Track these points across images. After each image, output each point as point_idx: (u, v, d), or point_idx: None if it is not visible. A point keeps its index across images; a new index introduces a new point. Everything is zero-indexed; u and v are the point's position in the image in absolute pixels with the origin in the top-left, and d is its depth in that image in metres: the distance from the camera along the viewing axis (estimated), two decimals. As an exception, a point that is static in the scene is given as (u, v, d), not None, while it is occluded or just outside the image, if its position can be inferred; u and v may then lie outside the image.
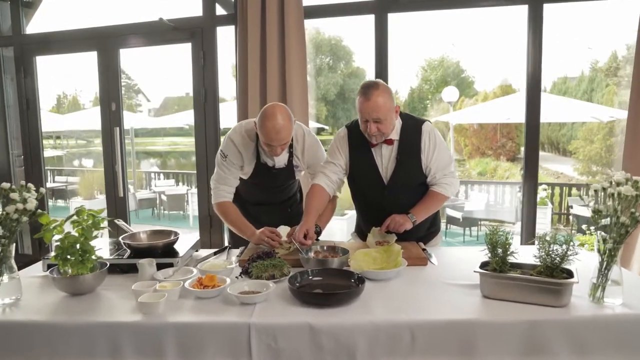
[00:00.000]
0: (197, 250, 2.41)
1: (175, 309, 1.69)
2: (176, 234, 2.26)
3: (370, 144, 2.39)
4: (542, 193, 8.36)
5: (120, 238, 2.20)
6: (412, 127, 2.40)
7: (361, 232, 2.62)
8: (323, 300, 1.68)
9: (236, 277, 1.99)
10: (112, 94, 4.35)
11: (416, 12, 3.73)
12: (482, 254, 1.80)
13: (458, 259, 2.26)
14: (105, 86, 4.34)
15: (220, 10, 4.05)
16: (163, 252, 2.15)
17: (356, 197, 2.61)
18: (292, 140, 2.45)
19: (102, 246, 2.18)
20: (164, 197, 10.39)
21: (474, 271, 1.75)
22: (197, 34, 4.05)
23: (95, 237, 1.86)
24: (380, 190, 2.44)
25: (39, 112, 4.60)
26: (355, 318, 1.60)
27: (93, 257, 1.86)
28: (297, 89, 3.73)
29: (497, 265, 1.73)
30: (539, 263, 1.74)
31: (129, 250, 2.17)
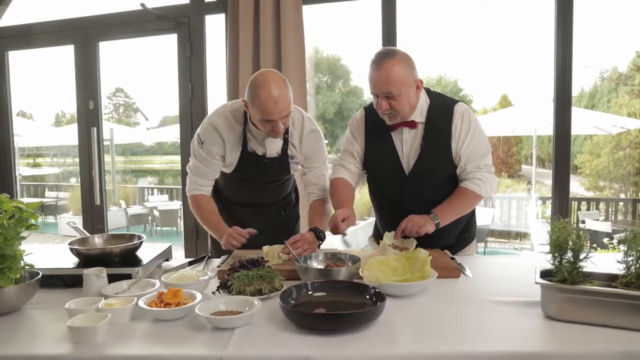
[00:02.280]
0: (167, 260, 1.92)
1: (122, 337, 1.21)
2: (140, 237, 1.78)
3: (389, 126, 1.95)
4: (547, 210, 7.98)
5: (67, 243, 1.72)
6: (442, 108, 1.97)
7: (379, 236, 2.11)
8: (327, 324, 1.20)
9: (212, 292, 1.50)
10: (90, 91, 3.90)
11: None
12: (522, 262, 1.34)
13: (496, 270, 1.79)
14: (82, 82, 3.90)
15: (209, -3, 3.65)
16: (121, 260, 1.67)
17: (373, 193, 2.17)
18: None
19: (58, 255, 1.74)
20: (156, 213, 9.91)
21: (536, 282, 1.28)
22: (183, 23, 3.64)
23: (22, 238, 1.39)
24: (400, 183, 1.99)
25: (10, 111, 4.15)
26: (373, 350, 1.12)
27: (19, 264, 1.38)
28: (296, 82, 3.30)
29: (567, 274, 1.26)
30: (619, 272, 1.27)
31: (78, 260, 1.69)
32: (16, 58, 4.20)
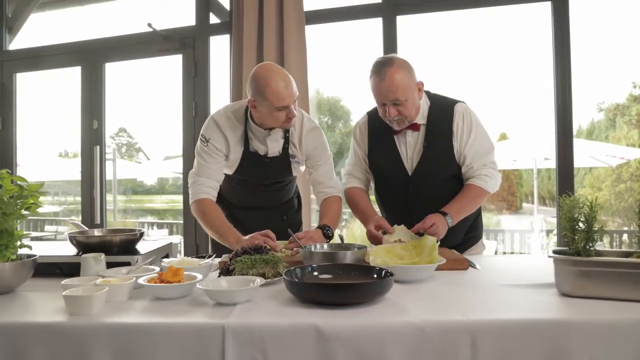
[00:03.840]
0: (167, 256, 1.87)
1: (119, 310, 1.16)
2: (140, 231, 1.74)
3: (393, 130, 1.97)
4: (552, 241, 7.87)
5: (66, 233, 1.69)
6: (443, 108, 1.99)
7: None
8: (334, 296, 1.15)
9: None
10: (94, 111, 3.94)
11: (427, 13, 3.39)
12: (534, 260, 1.29)
13: (506, 264, 1.74)
14: (87, 102, 3.94)
15: (214, 19, 3.74)
16: (119, 250, 1.63)
17: (378, 192, 2.18)
18: None
19: (56, 247, 1.72)
20: (155, 246, 9.77)
21: (549, 256, 1.24)
22: (188, 44, 3.71)
23: (22, 216, 1.35)
24: (403, 184, 2.00)
25: (15, 130, 4.17)
26: (383, 319, 1.07)
27: (16, 243, 1.34)
28: (299, 104, 3.33)
29: (582, 247, 1.22)
30: (634, 249, 1.23)
31: (77, 250, 1.65)
32: (23, 80, 4.27)
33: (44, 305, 1.22)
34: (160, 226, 12.25)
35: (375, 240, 1.88)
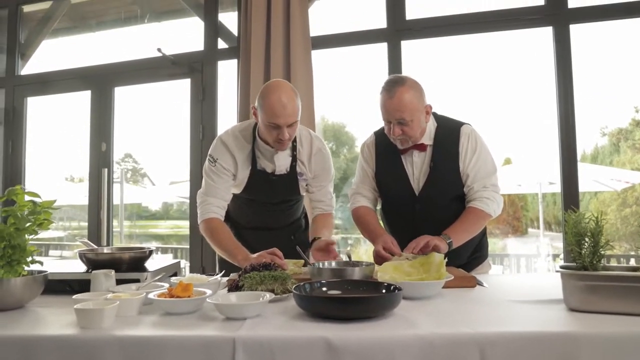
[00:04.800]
0: (176, 274, 1.88)
1: (129, 324, 1.17)
2: (150, 249, 1.76)
3: (400, 150, 2.01)
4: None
5: (77, 251, 1.70)
6: (449, 129, 2.03)
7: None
8: (344, 309, 1.15)
9: (223, 295, 1.46)
10: (103, 134, 4.00)
11: (431, 38, 3.47)
12: (542, 278, 1.30)
13: (514, 282, 1.75)
14: (96, 125, 4.01)
15: (222, 44, 3.83)
16: (129, 267, 1.64)
17: (385, 211, 2.20)
18: (295, 141, 2.04)
19: (66, 265, 1.75)
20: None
21: (557, 271, 1.24)
22: (197, 68, 3.80)
23: (35, 232, 1.38)
24: (410, 204, 2.02)
25: (24, 154, 4.22)
26: (393, 333, 1.07)
27: (27, 259, 1.36)
28: (304, 121, 3.38)
29: (588, 261, 1.22)
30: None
31: (87, 267, 1.66)
32: (33, 105, 4.35)
33: (55, 320, 1.23)
34: (164, 251, 12.22)
35: (381, 261, 1.85)
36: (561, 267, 1.27)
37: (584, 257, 1.22)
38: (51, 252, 12.20)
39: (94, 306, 1.14)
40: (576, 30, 3.20)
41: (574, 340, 1.03)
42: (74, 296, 1.26)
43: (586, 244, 1.23)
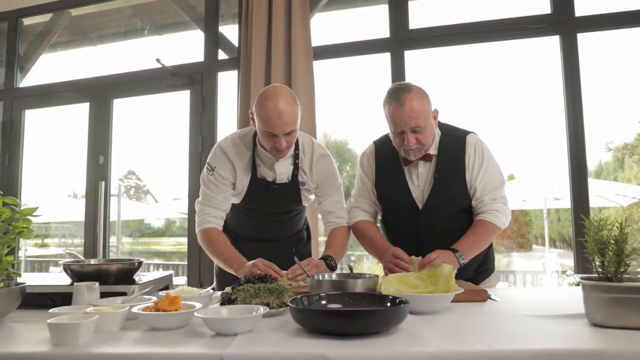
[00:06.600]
0: (167, 288, 1.77)
1: (109, 340, 1.06)
2: (139, 261, 1.66)
3: (404, 160, 1.91)
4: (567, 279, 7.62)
5: (62, 262, 1.60)
6: (454, 139, 1.93)
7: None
8: (344, 324, 1.04)
9: (214, 309, 1.35)
10: (101, 146, 3.93)
11: (435, 48, 3.40)
12: (555, 291, 1.19)
13: (526, 296, 1.63)
14: (94, 137, 3.94)
15: (222, 55, 3.77)
16: (116, 280, 1.54)
17: (386, 224, 2.08)
18: (297, 149, 1.95)
19: (49, 278, 1.65)
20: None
21: (578, 282, 1.13)
22: (196, 79, 3.74)
23: (12, 241, 1.28)
24: (414, 217, 1.90)
25: (21, 167, 4.15)
26: (398, 349, 0.97)
27: (4, 270, 1.26)
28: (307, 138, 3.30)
29: (613, 272, 1.12)
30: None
31: (71, 280, 1.56)
32: (31, 118, 4.29)
33: (28, 335, 1.12)
34: (165, 267, 12.10)
35: (391, 270, 1.75)
36: (582, 278, 1.17)
37: (607, 267, 1.11)
38: (51, 269, 12.11)
39: (70, 320, 1.04)
40: (583, 40, 3.13)
41: (599, 358, 0.93)
42: (50, 310, 1.16)
43: (610, 252, 1.12)
